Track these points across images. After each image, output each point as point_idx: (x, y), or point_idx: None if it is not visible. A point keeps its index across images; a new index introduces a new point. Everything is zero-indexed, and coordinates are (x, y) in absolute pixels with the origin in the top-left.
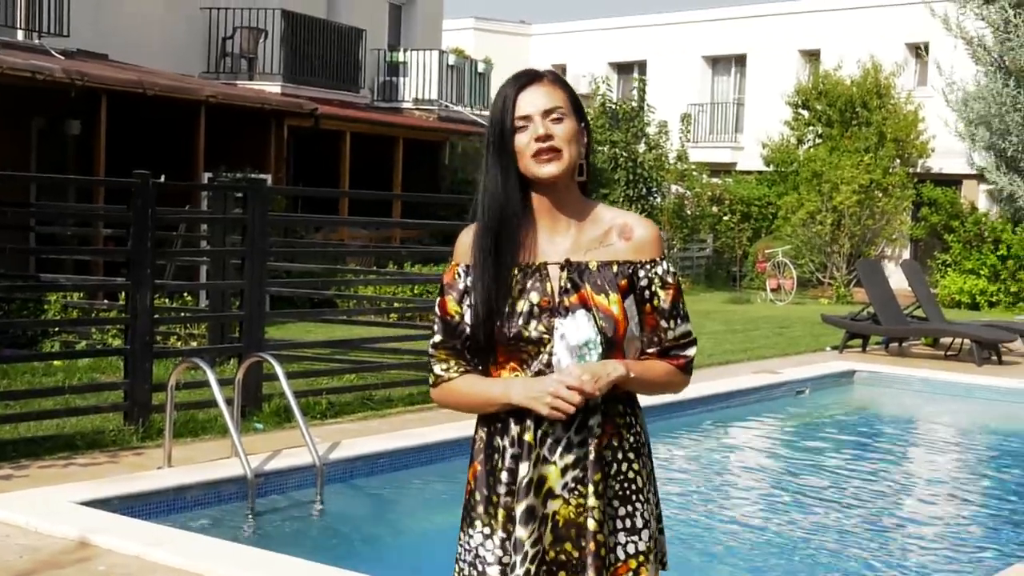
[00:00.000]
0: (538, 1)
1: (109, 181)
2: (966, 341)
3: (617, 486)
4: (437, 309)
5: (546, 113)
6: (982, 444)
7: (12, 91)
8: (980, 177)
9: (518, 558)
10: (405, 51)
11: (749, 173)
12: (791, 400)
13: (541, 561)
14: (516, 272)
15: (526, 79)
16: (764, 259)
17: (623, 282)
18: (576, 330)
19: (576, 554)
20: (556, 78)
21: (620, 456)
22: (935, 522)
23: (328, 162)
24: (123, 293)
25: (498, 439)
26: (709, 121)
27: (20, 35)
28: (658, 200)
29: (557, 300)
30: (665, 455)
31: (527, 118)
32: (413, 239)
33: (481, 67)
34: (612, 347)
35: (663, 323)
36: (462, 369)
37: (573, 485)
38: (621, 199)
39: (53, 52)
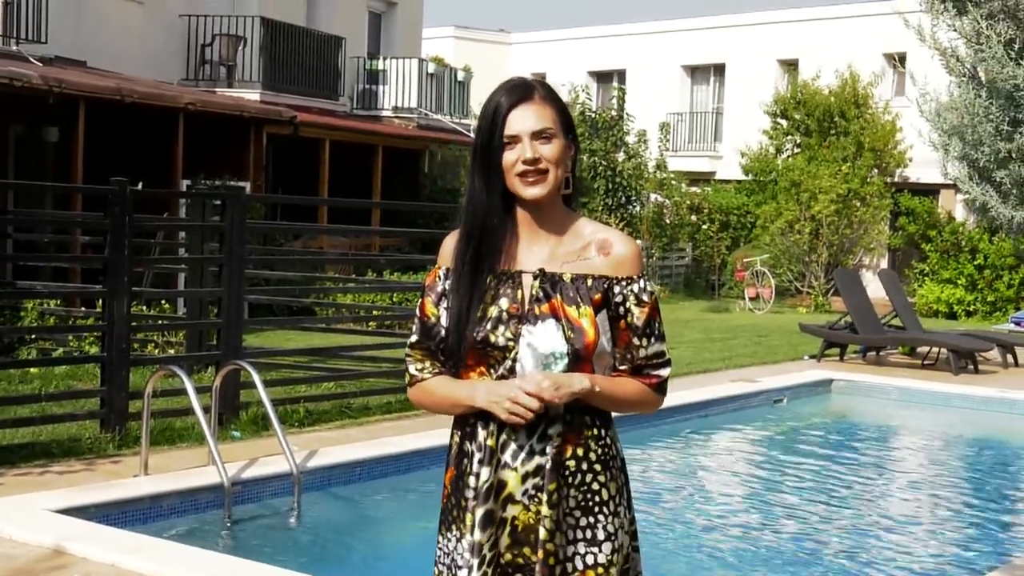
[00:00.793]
0: (518, 10)
1: (87, 188)
2: (943, 350)
3: (580, 497)
4: (417, 310)
5: (535, 134)
6: (959, 453)
7: None
8: (957, 187)
9: (475, 561)
10: (385, 59)
11: (728, 182)
12: (769, 409)
13: (496, 564)
14: (491, 279)
15: (518, 96)
16: (743, 268)
17: (597, 296)
18: (544, 339)
19: (534, 558)
20: (548, 94)
21: (585, 467)
22: (913, 531)
23: (307, 170)
24: (100, 300)
25: (468, 444)
26: (688, 130)
27: None
28: (637, 209)
29: (527, 308)
30: (643, 464)
31: (515, 138)
32: (392, 247)
33: (461, 75)
34: (580, 360)
35: (636, 340)
36: (436, 370)
37: (533, 492)
38: (600, 208)
39: (31, 59)
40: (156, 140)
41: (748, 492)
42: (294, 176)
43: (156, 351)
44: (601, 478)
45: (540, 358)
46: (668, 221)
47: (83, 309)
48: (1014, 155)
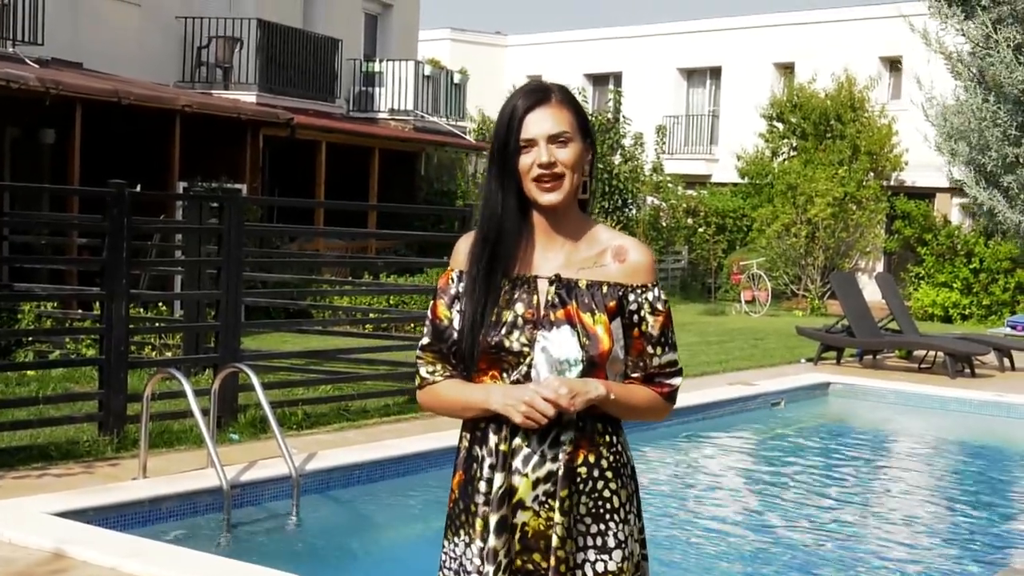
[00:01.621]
0: (514, 12)
1: (85, 190)
2: (939, 354)
3: (591, 503)
4: (429, 312)
5: (551, 138)
6: (956, 457)
7: None
8: (954, 190)
9: (491, 568)
10: (381, 61)
11: (724, 185)
12: (767, 412)
13: (508, 569)
14: (506, 283)
15: (535, 99)
16: (739, 271)
17: (612, 304)
18: (559, 345)
19: (544, 565)
20: (565, 97)
21: (596, 474)
22: (911, 535)
23: (303, 172)
24: (97, 303)
25: (478, 449)
26: (684, 133)
27: None
28: (633, 212)
29: (542, 313)
30: (641, 467)
31: (531, 142)
32: (388, 249)
33: (457, 78)
34: (594, 367)
35: (649, 349)
36: (447, 373)
37: (544, 498)
38: (597, 211)
39: (27, 60)
40: (152, 142)
41: (747, 496)
42: (290, 178)
43: (153, 354)
44: (612, 485)
45: (554, 364)
46: (664, 224)
47: (80, 312)
48: (1022, 160)
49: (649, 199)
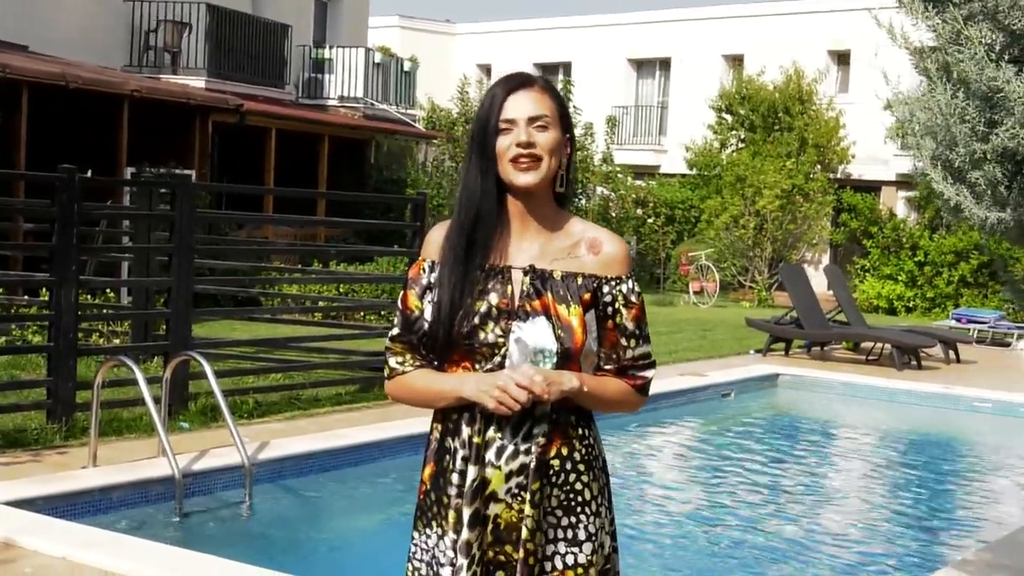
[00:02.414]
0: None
1: (34, 175)
2: (886, 346)
3: (563, 496)
4: (399, 302)
5: (531, 120)
6: (903, 448)
7: None
8: (899, 184)
9: (464, 561)
10: (331, 48)
11: (672, 176)
12: (717, 403)
13: (480, 561)
14: (479, 274)
15: (516, 82)
16: (687, 262)
17: (586, 295)
18: (534, 336)
19: (516, 556)
20: (547, 86)
21: (569, 467)
22: (859, 524)
23: (252, 159)
24: (45, 289)
25: (450, 440)
26: (633, 123)
27: None
28: (583, 202)
29: (517, 303)
30: None
31: (512, 122)
32: (338, 238)
33: (407, 66)
34: (568, 358)
35: (623, 341)
36: (417, 363)
37: (516, 491)
38: None
39: None
40: (99, 126)
41: (697, 486)
42: (239, 165)
43: (101, 341)
44: (584, 478)
45: (529, 355)
46: (614, 215)
47: (26, 298)
48: (989, 156)
49: (599, 189)
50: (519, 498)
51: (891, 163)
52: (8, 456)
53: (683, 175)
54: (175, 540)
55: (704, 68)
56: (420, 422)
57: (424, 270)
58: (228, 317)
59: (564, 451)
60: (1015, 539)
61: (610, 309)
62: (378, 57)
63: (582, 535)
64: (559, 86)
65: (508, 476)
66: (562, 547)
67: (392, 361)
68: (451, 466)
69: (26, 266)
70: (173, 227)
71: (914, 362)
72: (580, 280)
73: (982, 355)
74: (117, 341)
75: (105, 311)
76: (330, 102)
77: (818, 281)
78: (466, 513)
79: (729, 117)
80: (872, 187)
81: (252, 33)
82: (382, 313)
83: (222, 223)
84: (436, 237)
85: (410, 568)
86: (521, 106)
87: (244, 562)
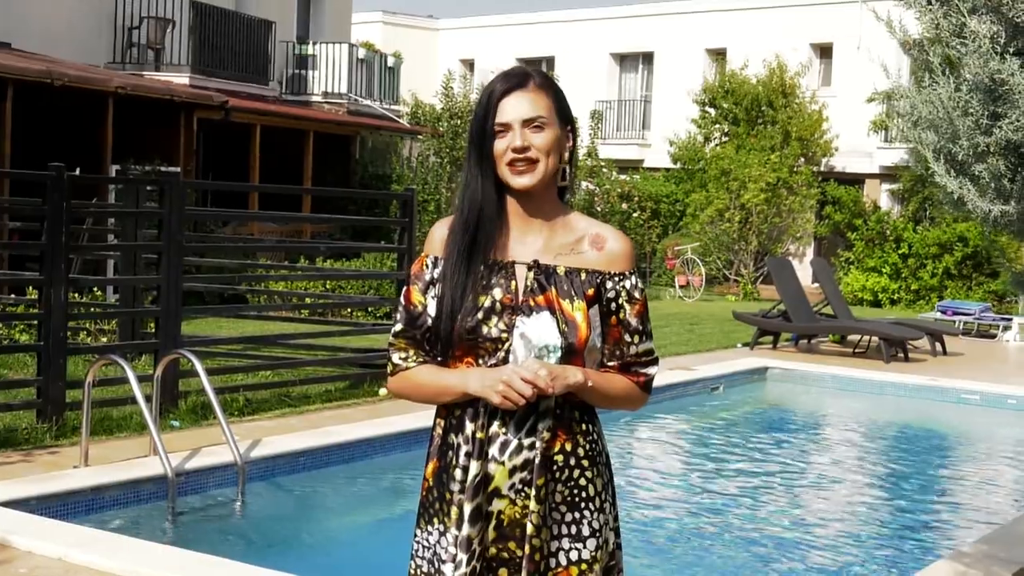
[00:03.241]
0: None
1: (24, 173)
2: (873, 338)
3: (567, 492)
4: (402, 298)
5: (527, 122)
6: (893, 440)
7: None
8: (883, 176)
9: (464, 556)
10: (314, 44)
11: (656, 170)
12: (706, 397)
13: (482, 557)
14: (482, 268)
15: (512, 83)
16: (673, 256)
17: (590, 291)
18: (539, 331)
19: (519, 553)
20: (544, 82)
21: (573, 462)
22: (851, 518)
23: (237, 155)
24: (32, 288)
25: (453, 436)
26: (616, 118)
27: None
28: (568, 196)
29: (521, 299)
30: None
31: (506, 126)
32: (323, 234)
33: (391, 61)
34: (572, 354)
35: (627, 337)
36: (420, 359)
37: (520, 487)
38: None
39: None
40: (84, 124)
41: (689, 479)
42: (224, 161)
43: (89, 339)
44: (588, 474)
45: (533, 350)
46: (599, 209)
47: (13, 296)
48: (992, 149)
49: (584, 184)
50: (523, 494)
51: (875, 156)
52: None
53: (667, 169)
54: (169, 539)
55: (687, 62)
56: (411, 419)
57: (427, 266)
58: (218, 315)
59: (568, 447)
60: (1011, 531)
61: (614, 305)
62: (362, 53)
63: (586, 531)
64: None
65: (512, 472)
66: (566, 543)
67: (395, 357)
68: (454, 462)
69: (10, 264)
70: (161, 225)
71: (901, 354)
72: (584, 276)
73: (968, 347)
74: (105, 339)
75: (93, 309)
76: (314, 98)
77: (803, 274)
78: (467, 508)
79: (712, 111)
80: (856, 180)
81: (235, 29)
82: (369, 310)
83: (208, 220)
84: (439, 233)
85: (412, 566)
86: (516, 108)
87: (238, 560)
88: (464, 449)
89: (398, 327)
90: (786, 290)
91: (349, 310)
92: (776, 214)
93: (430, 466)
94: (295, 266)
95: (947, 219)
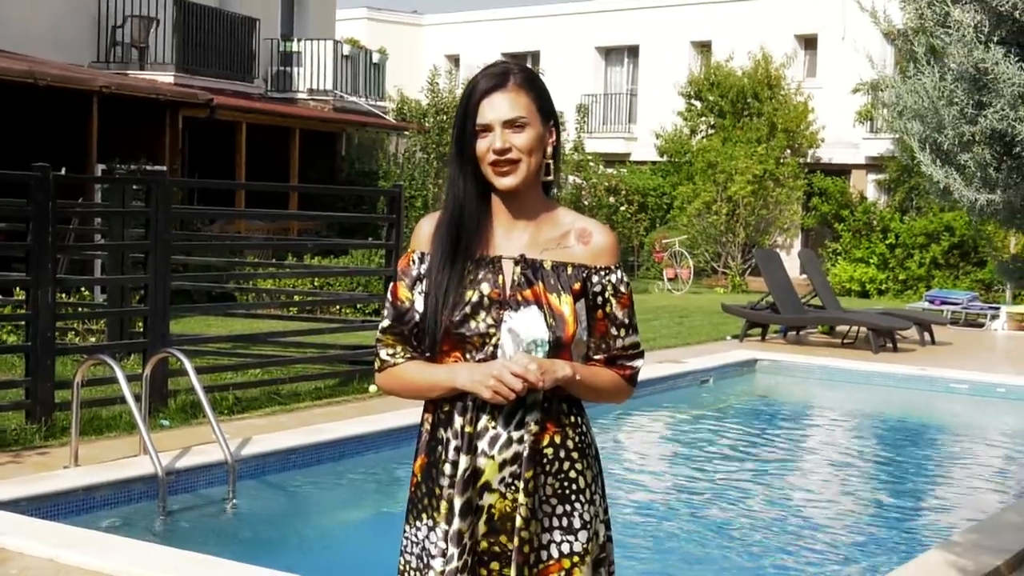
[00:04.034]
0: None
1: (8, 174)
2: (862, 329)
3: (557, 484)
4: (389, 294)
5: (507, 123)
6: (882, 430)
7: None
8: (869, 167)
9: (456, 550)
10: (299, 41)
11: (643, 163)
12: (696, 389)
13: (473, 551)
14: (470, 264)
15: (492, 84)
16: (661, 249)
17: (576, 285)
18: (526, 325)
19: (510, 546)
20: (525, 80)
21: (562, 455)
22: (842, 508)
23: (223, 153)
24: (19, 288)
25: (442, 431)
26: (603, 112)
27: None
28: (555, 191)
29: (508, 293)
30: None
31: (487, 127)
32: (310, 231)
33: (376, 57)
34: (560, 348)
35: (613, 331)
36: (408, 355)
37: (510, 480)
38: None
39: None
40: (68, 124)
41: (680, 472)
42: (210, 159)
43: (77, 339)
44: (578, 466)
45: (521, 344)
46: (586, 203)
47: (0, 297)
48: (978, 138)
49: (570, 178)
50: (513, 487)
51: (860, 146)
52: None
53: (654, 162)
54: (160, 538)
55: (672, 55)
56: (401, 415)
57: (414, 261)
58: (206, 314)
59: (557, 439)
60: (1000, 519)
61: (600, 299)
62: (346, 49)
63: (577, 523)
64: None
65: (501, 465)
66: (557, 535)
67: (383, 353)
68: (443, 457)
69: None
70: (149, 224)
71: (890, 345)
72: (570, 270)
73: (957, 336)
74: (93, 339)
75: (81, 309)
76: (299, 95)
77: (790, 265)
78: (458, 503)
79: (698, 103)
80: (842, 171)
81: (219, 27)
82: (358, 306)
83: (195, 219)
84: (426, 228)
85: (402, 561)
86: (496, 109)
87: (229, 559)
88: (453, 444)
89: (385, 323)
90: (774, 282)
91: (338, 307)
92: (763, 206)
93: (418, 462)
94: (283, 264)
95: (934, 209)
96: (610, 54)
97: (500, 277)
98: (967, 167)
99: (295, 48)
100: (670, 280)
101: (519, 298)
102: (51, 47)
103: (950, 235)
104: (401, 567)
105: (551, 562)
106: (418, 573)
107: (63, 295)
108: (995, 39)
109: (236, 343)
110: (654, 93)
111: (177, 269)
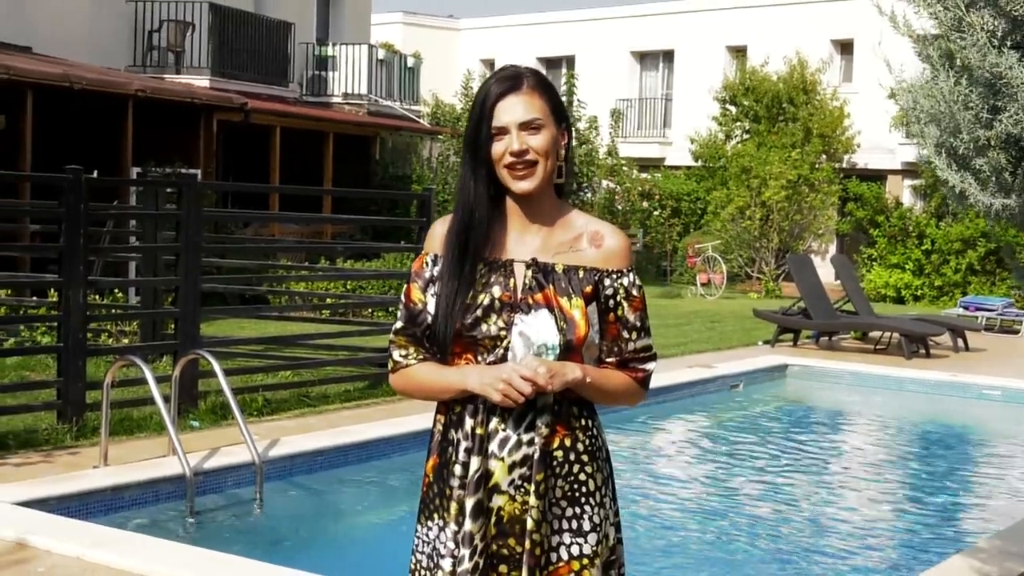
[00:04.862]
0: None
1: (41, 176)
2: (895, 335)
3: (567, 487)
4: (403, 296)
5: (523, 125)
6: (913, 436)
7: None
8: (905, 172)
9: (467, 552)
10: (334, 45)
11: (677, 168)
12: (726, 394)
13: (484, 554)
14: (481, 266)
15: (506, 86)
16: (694, 254)
17: (588, 288)
18: (537, 329)
19: (519, 549)
20: (538, 82)
21: (572, 457)
22: (869, 513)
23: (257, 157)
24: (52, 290)
25: (453, 432)
26: (637, 116)
27: None
28: (588, 196)
29: (519, 296)
30: None
31: (503, 129)
32: (344, 234)
33: (411, 62)
34: (570, 351)
35: (625, 334)
36: (421, 356)
37: (520, 482)
38: None
39: None
40: (104, 127)
41: (708, 477)
42: (244, 163)
43: (110, 341)
44: (588, 468)
45: (532, 348)
46: (620, 208)
47: (34, 299)
48: (993, 142)
49: (604, 183)
50: (522, 490)
51: (896, 152)
52: (20, 457)
53: (688, 167)
54: (187, 539)
55: (707, 60)
56: (427, 418)
57: (427, 264)
58: (237, 316)
59: (567, 442)
60: None
61: (612, 302)
62: (381, 54)
63: (587, 526)
64: (563, 80)
65: (511, 468)
66: (567, 538)
67: (396, 354)
68: (454, 458)
69: (32, 267)
70: (180, 226)
71: (922, 351)
72: (582, 273)
73: (991, 343)
74: (126, 341)
75: (114, 311)
76: (334, 99)
77: (825, 271)
78: (469, 504)
79: (733, 108)
80: (878, 176)
81: (255, 31)
82: (390, 310)
83: (228, 222)
84: (439, 231)
85: (413, 561)
86: (512, 112)
87: (256, 559)
88: (464, 445)
89: (399, 324)
90: (806, 287)
91: (369, 310)
92: (797, 211)
93: (431, 462)
94: (315, 267)
95: (970, 214)
96: (645, 59)
97: (512, 280)
98: (982, 171)
99: (330, 52)
100: (703, 285)
101: (530, 301)
102: (87, 51)
103: (986, 241)
104: (412, 566)
105: (561, 564)
106: (428, 573)
107: (97, 297)
108: (1009, 43)
109: (267, 345)
110: (689, 98)
111: (210, 272)
